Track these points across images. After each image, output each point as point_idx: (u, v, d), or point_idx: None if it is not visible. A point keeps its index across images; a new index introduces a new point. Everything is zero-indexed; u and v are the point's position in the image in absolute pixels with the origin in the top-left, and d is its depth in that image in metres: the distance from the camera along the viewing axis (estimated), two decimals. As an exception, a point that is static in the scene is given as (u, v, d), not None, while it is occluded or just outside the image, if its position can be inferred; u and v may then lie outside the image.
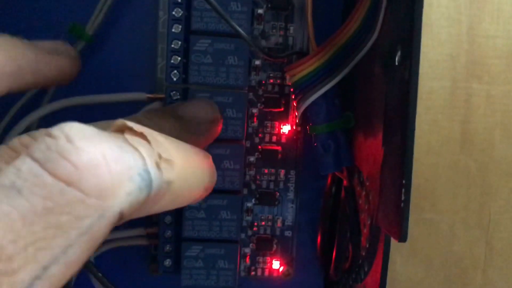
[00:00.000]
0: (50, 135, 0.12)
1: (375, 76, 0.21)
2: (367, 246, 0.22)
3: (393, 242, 0.31)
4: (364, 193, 0.22)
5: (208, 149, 0.23)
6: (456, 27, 0.30)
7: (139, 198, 0.13)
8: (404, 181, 0.16)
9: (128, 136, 0.14)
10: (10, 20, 0.25)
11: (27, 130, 0.25)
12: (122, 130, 0.14)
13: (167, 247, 0.25)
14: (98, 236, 0.12)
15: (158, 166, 0.14)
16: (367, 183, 0.22)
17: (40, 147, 0.12)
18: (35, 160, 0.12)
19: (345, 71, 0.21)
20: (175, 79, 0.24)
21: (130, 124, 0.14)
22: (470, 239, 0.31)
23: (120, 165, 0.12)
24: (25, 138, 0.15)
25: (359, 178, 0.23)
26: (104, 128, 0.14)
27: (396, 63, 0.17)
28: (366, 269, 0.22)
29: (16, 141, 0.15)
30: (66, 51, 0.20)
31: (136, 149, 0.13)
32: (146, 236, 0.26)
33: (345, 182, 0.24)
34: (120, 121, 0.14)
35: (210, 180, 0.18)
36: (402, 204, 0.16)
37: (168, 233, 0.25)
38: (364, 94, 0.22)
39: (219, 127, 0.23)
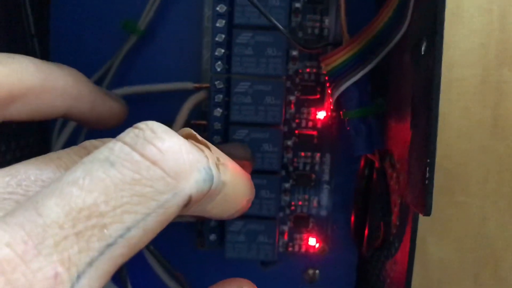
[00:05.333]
0: (136, 127, 0.15)
1: (405, 64, 0.22)
2: (397, 224, 0.23)
3: (426, 223, 0.32)
4: (395, 174, 0.23)
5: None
6: (487, 16, 0.30)
7: (203, 188, 0.15)
8: (428, 160, 0.18)
9: (192, 141, 0.16)
10: (66, 17, 0.28)
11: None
12: (187, 137, 0.16)
13: (212, 223, 0.27)
14: (170, 212, 0.14)
15: (217, 166, 0.16)
16: (398, 165, 0.23)
17: (129, 134, 0.14)
18: (125, 143, 0.14)
19: (376, 60, 0.23)
20: (219, 69, 0.26)
21: (195, 133, 0.16)
22: (501, 222, 0.32)
23: (192, 156, 0.15)
24: (95, 142, 0.17)
25: (391, 160, 0.24)
26: None
27: (422, 53, 0.19)
28: (396, 245, 0.23)
29: (87, 143, 0.17)
30: (117, 98, 0.23)
31: (201, 150, 0.16)
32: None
33: (376, 164, 0.26)
34: (187, 129, 0.17)
35: (251, 193, 0.20)
36: (426, 181, 0.18)
37: (213, 210, 0.27)
38: (395, 81, 0.24)
39: (250, 169, 0.25)
